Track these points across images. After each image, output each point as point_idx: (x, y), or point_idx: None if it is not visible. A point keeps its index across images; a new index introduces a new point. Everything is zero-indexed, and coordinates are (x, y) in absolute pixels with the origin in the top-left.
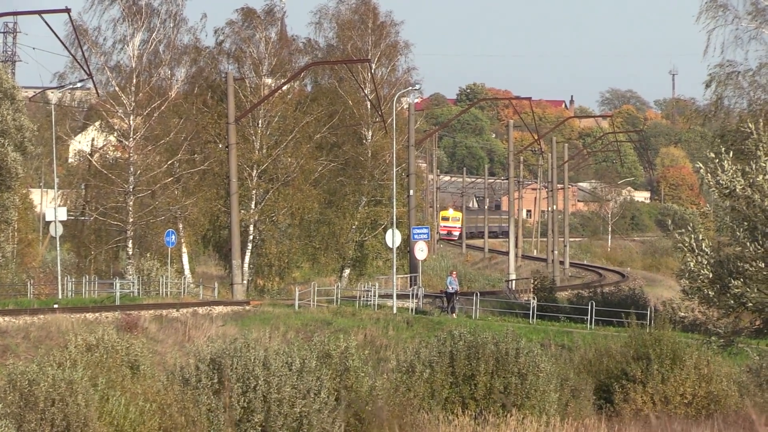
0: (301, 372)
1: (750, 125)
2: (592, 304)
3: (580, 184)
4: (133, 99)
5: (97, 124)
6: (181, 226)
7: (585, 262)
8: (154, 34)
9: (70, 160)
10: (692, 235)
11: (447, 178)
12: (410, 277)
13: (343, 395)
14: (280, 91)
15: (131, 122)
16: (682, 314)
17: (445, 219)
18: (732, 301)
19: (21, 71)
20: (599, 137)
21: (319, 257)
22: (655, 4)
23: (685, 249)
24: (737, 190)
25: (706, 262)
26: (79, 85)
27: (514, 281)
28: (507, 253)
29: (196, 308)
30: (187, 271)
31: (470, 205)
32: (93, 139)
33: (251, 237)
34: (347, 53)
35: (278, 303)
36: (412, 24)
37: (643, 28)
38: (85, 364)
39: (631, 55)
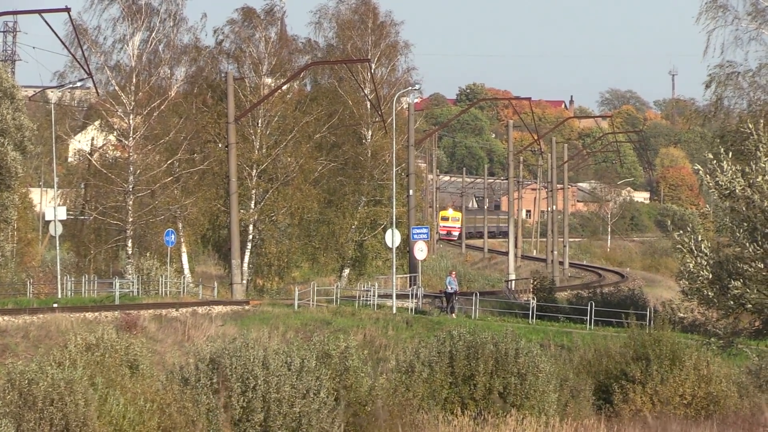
0: (300, 372)
1: (750, 126)
2: (591, 304)
3: (580, 184)
4: (132, 98)
5: (96, 123)
6: (180, 225)
7: (584, 263)
8: (153, 34)
9: (69, 160)
10: (692, 236)
11: (447, 178)
12: (410, 277)
13: (342, 395)
14: (279, 91)
15: (131, 122)
16: (682, 315)
17: (445, 219)
18: (731, 302)
19: (21, 70)
20: (599, 137)
21: (319, 257)
22: (655, 5)
23: (685, 250)
24: (737, 191)
25: (705, 263)
26: (78, 84)
27: (513, 281)
28: (506, 253)
29: (195, 308)
30: (186, 271)
31: (469, 205)
32: (93, 139)
33: (251, 237)
34: (347, 53)
35: (278, 303)
36: (412, 24)
37: (643, 28)
38: (85, 363)
39: (631, 56)
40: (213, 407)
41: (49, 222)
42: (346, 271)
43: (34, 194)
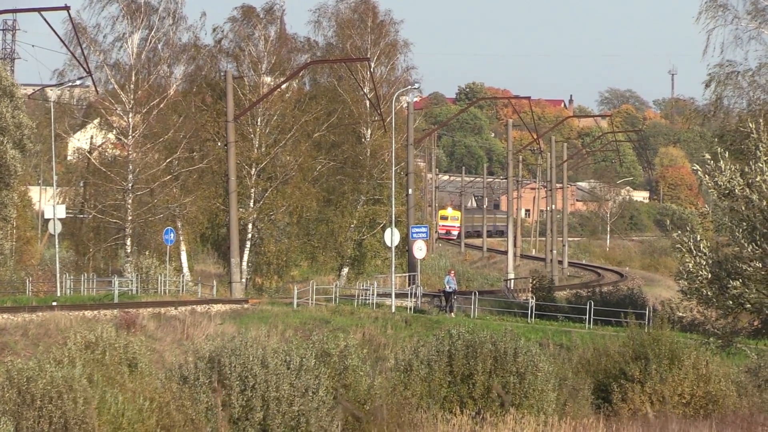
0: (299, 370)
1: (750, 125)
2: (590, 303)
3: (579, 183)
4: (132, 97)
5: (96, 121)
6: (179, 224)
7: (583, 262)
8: (153, 32)
9: (68, 158)
10: (691, 236)
11: (446, 177)
12: (409, 276)
13: (341, 394)
14: (279, 90)
15: (130, 120)
16: (681, 314)
17: (444, 218)
18: (730, 302)
19: (20, 69)
20: (598, 137)
21: (318, 256)
22: (655, 4)
23: (684, 249)
24: (736, 190)
25: (704, 263)
26: (78, 82)
27: (512, 281)
28: (506, 253)
29: (194, 306)
30: (185, 270)
31: (468, 204)
32: (92, 137)
33: (250, 235)
34: (346, 52)
35: (277, 301)
36: (411, 23)
37: (643, 27)
38: (84, 361)
39: (631, 55)
40: (212, 406)
41: (48, 220)
42: (345, 270)
43: (34, 192)
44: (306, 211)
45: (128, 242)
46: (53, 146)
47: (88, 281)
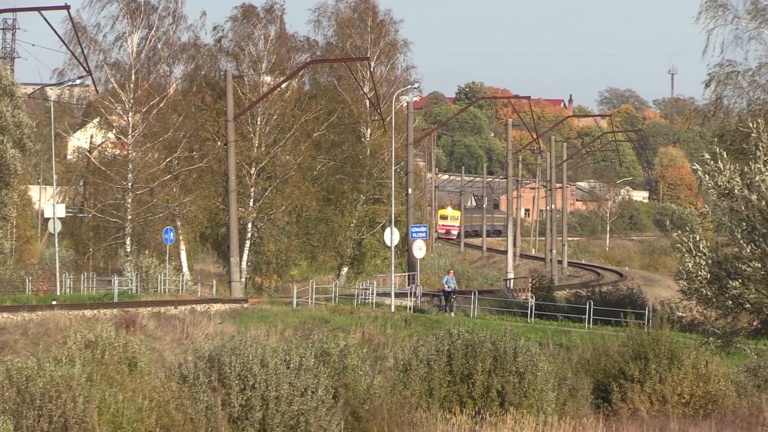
0: (299, 370)
1: (750, 125)
2: (590, 303)
3: (579, 183)
4: (131, 96)
5: (95, 121)
6: (179, 223)
7: (583, 262)
8: (152, 31)
9: (68, 157)
10: (690, 236)
11: (445, 176)
12: (408, 275)
13: (341, 393)
14: (278, 89)
15: (130, 119)
16: (680, 314)
17: (444, 218)
18: (730, 302)
19: (20, 68)
20: (598, 136)
21: (318, 255)
22: (655, 4)
23: (683, 249)
24: (735, 190)
25: (704, 263)
26: (78, 81)
27: (512, 280)
28: (505, 252)
29: (194, 306)
30: (185, 269)
31: (468, 204)
32: (92, 136)
33: (249, 235)
34: (346, 51)
35: (276, 301)
36: (411, 22)
37: (643, 27)
38: (84, 361)
39: (630, 55)
40: (211, 405)
41: (48, 219)
42: (345, 269)
43: (33, 191)
44: (306, 211)
45: (128, 241)
46: (53, 145)
47: (87, 280)
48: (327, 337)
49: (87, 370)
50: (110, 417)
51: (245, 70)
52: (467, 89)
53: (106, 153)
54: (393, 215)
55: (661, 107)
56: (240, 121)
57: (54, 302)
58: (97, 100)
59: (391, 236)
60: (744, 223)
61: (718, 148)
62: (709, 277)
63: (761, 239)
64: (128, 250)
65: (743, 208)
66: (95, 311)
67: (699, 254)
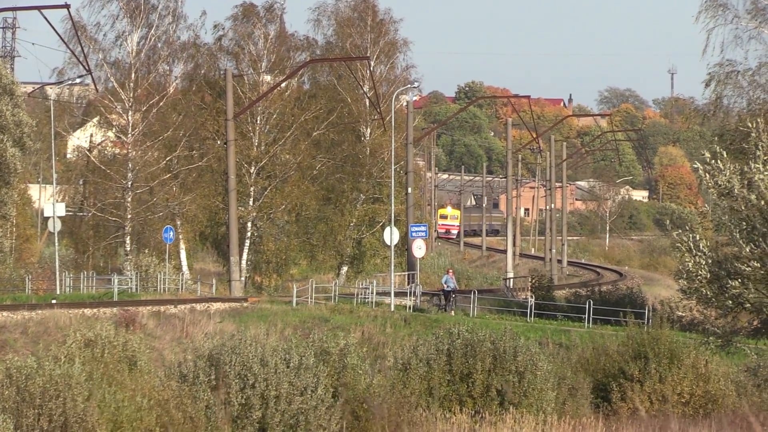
0: (298, 369)
1: (749, 124)
2: (589, 302)
3: (579, 182)
4: (131, 95)
5: (95, 120)
6: (179, 222)
7: (583, 261)
8: (152, 31)
9: (68, 156)
10: (690, 235)
11: (445, 176)
12: (408, 274)
13: (341, 392)
14: (278, 88)
15: (129, 118)
16: (680, 313)
17: (444, 217)
18: (730, 301)
19: (20, 67)
20: (598, 136)
21: (317, 254)
22: (655, 3)
23: (683, 249)
24: (735, 190)
25: (704, 262)
26: (77, 80)
27: (512, 279)
28: (505, 252)
29: (193, 305)
30: (185, 268)
31: (468, 203)
32: (91, 135)
33: (249, 234)
34: (346, 50)
35: (276, 300)
36: (411, 21)
37: (642, 27)
38: (84, 359)
39: (630, 54)
40: (211, 404)
41: (47, 218)
42: (345, 268)
43: (33, 190)
44: (305, 210)
45: (128, 240)
46: (53, 144)
47: (87, 279)
48: (327, 337)
49: (87, 369)
50: (110, 416)
51: (245, 69)
52: (467, 88)
53: (106, 152)
54: (393, 214)
55: (661, 107)
56: (240, 120)
57: (54, 301)
58: (96, 99)
59: (391, 235)
60: (744, 223)
61: (718, 147)
62: (709, 276)
63: (761, 239)
64: (128, 249)
65: (743, 208)
66: (95, 310)
67: (699, 254)
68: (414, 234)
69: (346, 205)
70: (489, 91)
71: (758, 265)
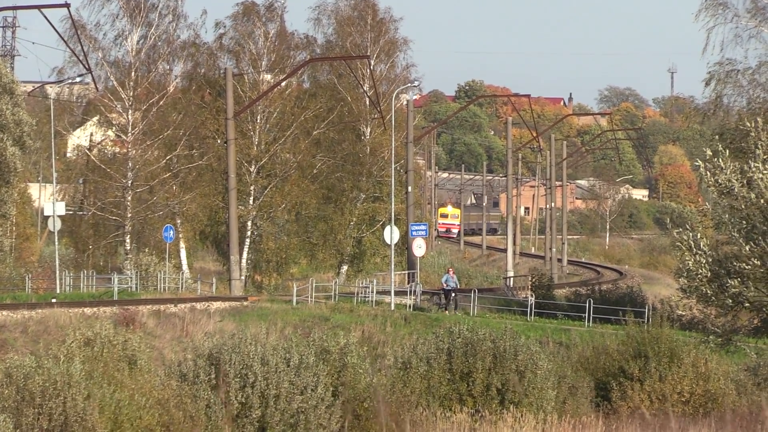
0: (298, 368)
1: (748, 124)
2: (589, 301)
3: (579, 181)
4: (131, 94)
5: (95, 119)
6: (179, 221)
7: (583, 260)
8: (152, 30)
9: (68, 155)
10: (690, 234)
11: (445, 175)
12: (408, 273)
13: (341, 391)
14: (278, 87)
15: (129, 117)
16: (680, 312)
17: (444, 216)
18: (730, 300)
19: (20, 66)
20: (598, 135)
21: (317, 253)
22: (654, 2)
23: (683, 247)
24: (735, 189)
25: (704, 261)
26: (77, 79)
27: (512, 278)
28: (505, 251)
29: (194, 304)
30: (185, 267)
31: (468, 202)
32: (91, 134)
33: (249, 233)
34: (346, 49)
35: (276, 299)
36: (411, 20)
37: (642, 25)
38: (84, 358)
39: (630, 53)
40: (212, 403)
41: (47, 217)
42: (345, 267)
43: (33, 189)
44: (305, 209)
45: (128, 239)
46: (53, 143)
47: (87, 278)
48: (327, 336)
49: (86, 368)
50: (110, 415)
51: (245, 67)
52: (467, 87)
53: (106, 151)
54: (393, 213)
55: (661, 105)
56: (240, 119)
57: (54, 300)
58: (96, 98)
59: (391, 234)
60: (744, 222)
61: (720, 145)
62: (709, 275)
63: (760, 237)
64: (128, 248)
65: (743, 207)
66: (95, 309)
67: (699, 252)
68: (414, 233)
69: (346, 204)
70: (489, 89)
71: (758, 263)
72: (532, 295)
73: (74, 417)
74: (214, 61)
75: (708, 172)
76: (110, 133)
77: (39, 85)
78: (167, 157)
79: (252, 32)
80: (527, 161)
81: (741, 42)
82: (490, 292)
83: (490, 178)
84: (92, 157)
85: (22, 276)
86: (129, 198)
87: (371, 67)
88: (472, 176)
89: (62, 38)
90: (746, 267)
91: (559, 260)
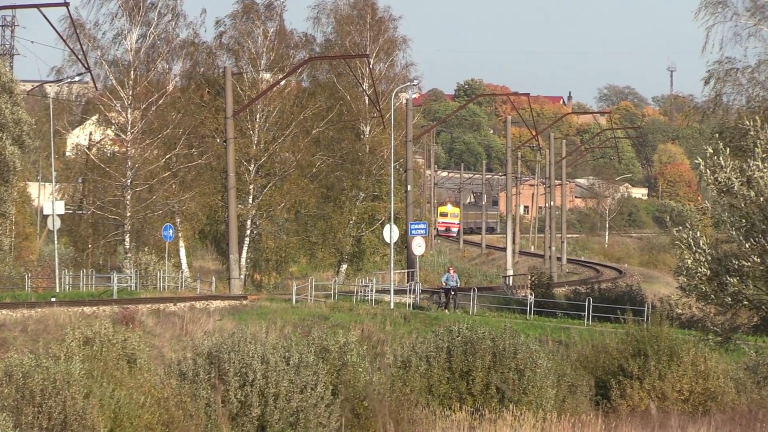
0: (298, 367)
1: (747, 122)
2: (589, 300)
3: (578, 180)
4: (130, 93)
5: (94, 118)
6: (178, 220)
7: (582, 259)
8: (151, 29)
9: (67, 154)
10: (690, 232)
11: (444, 173)
12: (407, 272)
13: (340, 390)
14: (278, 86)
15: (129, 116)
16: (680, 311)
17: (444, 215)
18: (729, 298)
19: (19, 65)
20: (597, 133)
21: (317, 252)
22: (654, 1)
23: (683, 246)
24: (735, 187)
25: (703, 259)
26: (76, 79)
27: (511, 277)
28: (504, 249)
29: (193, 302)
30: (184, 266)
31: (467, 201)
32: (91, 133)
33: (248, 232)
34: (345, 48)
35: (275, 298)
36: (410, 19)
37: (642, 24)
38: (83, 357)
39: (630, 52)
40: (211, 402)
41: (47, 216)
42: (344, 266)
43: (32, 188)
44: (305, 208)
45: (127, 238)
46: (52, 142)
47: (87, 277)
48: (326, 334)
49: (86, 366)
50: (110, 413)
51: (244, 66)
52: (466, 86)
53: (105, 150)
54: (392, 212)
55: (661, 104)
56: (239, 118)
57: (53, 299)
58: (96, 97)
59: (390, 233)
60: (743, 220)
61: (720, 144)
62: (708, 273)
63: (760, 235)
64: (127, 247)
65: (742, 205)
66: (94, 308)
67: (698, 251)
68: (413, 232)
69: (346, 202)
70: (488, 88)
71: (758, 260)
72: (531, 294)
73: (74, 416)
74: (213, 60)
75: (707, 171)
76: (109, 132)
77: (38, 84)
78: (166, 156)
79: (251, 31)
80: (526, 160)
81: (740, 40)
82: (490, 291)
83: (490, 176)
84: (91, 156)
85: (21, 275)
86: (128, 197)
87: (370, 66)
88: (471, 175)
89: (61, 37)
90: (746, 265)
91: (559, 259)
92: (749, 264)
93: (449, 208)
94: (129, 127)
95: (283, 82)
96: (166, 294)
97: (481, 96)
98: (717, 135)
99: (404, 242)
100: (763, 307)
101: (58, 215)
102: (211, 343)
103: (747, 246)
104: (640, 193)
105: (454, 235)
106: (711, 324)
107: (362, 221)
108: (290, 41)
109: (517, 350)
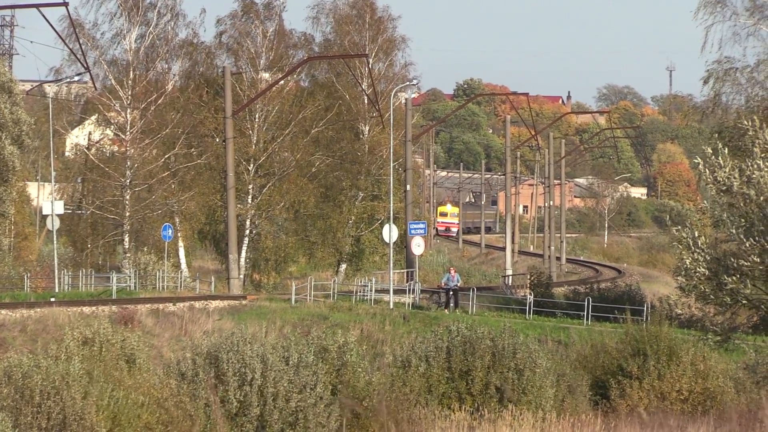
0: (297, 367)
1: (746, 122)
2: (588, 300)
3: (577, 180)
4: (129, 93)
5: (93, 117)
6: (177, 220)
7: (581, 258)
8: (150, 28)
9: (66, 154)
10: (689, 232)
11: (444, 173)
12: (407, 272)
13: (340, 390)
14: (277, 86)
15: (128, 116)
16: (679, 310)
17: (444, 215)
18: (728, 298)
19: (18, 65)
20: (596, 133)
21: (316, 252)
22: (653, 0)
23: (682, 245)
24: (734, 186)
25: (702, 259)
26: (76, 78)
27: (510, 277)
28: (503, 249)
29: (192, 302)
30: (183, 266)
31: (466, 200)
32: (90, 133)
33: (248, 231)
34: (344, 48)
35: (275, 298)
36: (409, 19)
37: (641, 24)
38: (82, 357)
39: (629, 51)
40: (211, 402)
41: (46, 216)
42: (343, 266)
43: (32, 188)
44: (304, 207)
45: (126, 238)
46: (51, 142)
47: (86, 277)
48: (326, 334)
49: (85, 366)
50: (109, 414)
51: (243, 66)
52: (465, 86)
53: (105, 150)
54: (391, 212)
55: (660, 104)
56: (238, 118)
57: (52, 299)
58: (95, 97)
59: (390, 233)
60: (742, 219)
61: (719, 143)
62: (707, 273)
63: (759, 235)
64: (126, 246)
65: (742, 204)
66: (93, 308)
67: (697, 250)
68: (413, 231)
69: (345, 202)
70: (488, 88)
71: (758, 260)
72: (530, 294)
73: (73, 416)
74: (212, 59)
75: (707, 170)
76: (108, 131)
77: (37, 84)
78: (166, 156)
79: (250, 31)
80: (526, 159)
81: (739, 40)
82: (489, 291)
83: (489, 176)
84: (91, 156)
85: (20, 275)
86: (127, 197)
87: (370, 66)
88: (470, 174)
89: (60, 37)
90: (745, 264)
91: (558, 258)
92: (748, 263)
93: (448, 208)
94: (128, 127)
95: (282, 82)
96: (166, 294)
97: (480, 96)
98: (716, 135)
99: (403, 242)
100: (763, 306)
101: (58, 215)
102: (211, 343)
103: (747, 245)
104: (639, 192)
105: (454, 234)
106: (710, 323)
107: (361, 221)
108: (289, 41)
109: (517, 350)
